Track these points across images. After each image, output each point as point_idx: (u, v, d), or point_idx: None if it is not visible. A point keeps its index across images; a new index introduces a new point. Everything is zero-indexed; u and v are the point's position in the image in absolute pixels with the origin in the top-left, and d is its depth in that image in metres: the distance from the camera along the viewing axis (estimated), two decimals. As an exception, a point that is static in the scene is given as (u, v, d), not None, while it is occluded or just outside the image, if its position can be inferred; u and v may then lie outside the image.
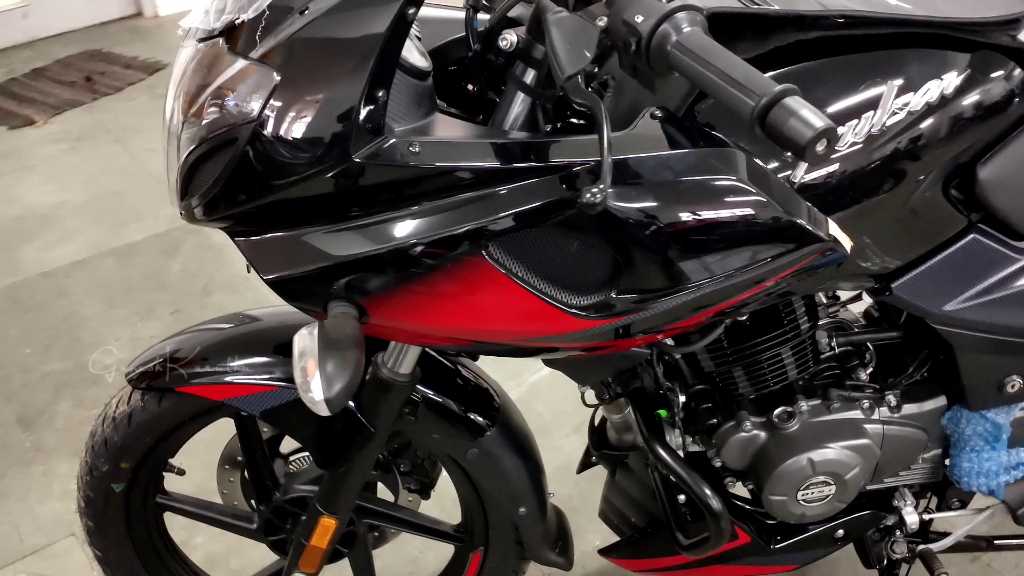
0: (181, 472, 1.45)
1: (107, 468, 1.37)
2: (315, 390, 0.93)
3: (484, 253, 0.96)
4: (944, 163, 1.12)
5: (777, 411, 1.32)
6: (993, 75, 1.11)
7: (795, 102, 0.76)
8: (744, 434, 1.34)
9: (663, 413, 1.33)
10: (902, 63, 1.07)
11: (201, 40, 1.00)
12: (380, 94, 0.88)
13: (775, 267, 1.03)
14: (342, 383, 0.93)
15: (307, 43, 0.90)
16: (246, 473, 1.44)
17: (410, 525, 1.50)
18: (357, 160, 0.90)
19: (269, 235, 0.99)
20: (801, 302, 1.27)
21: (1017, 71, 1.12)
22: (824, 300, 1.36)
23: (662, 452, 1.28)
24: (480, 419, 1.33)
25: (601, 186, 0.82)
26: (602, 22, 0.88)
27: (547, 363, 1.19)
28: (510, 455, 1.37)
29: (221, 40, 0.96)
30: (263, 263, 1.00)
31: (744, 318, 1.26)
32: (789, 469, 1.32)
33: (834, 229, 1.05)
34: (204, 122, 0.95)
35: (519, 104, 1.01)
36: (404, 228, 0.96)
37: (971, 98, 1.09)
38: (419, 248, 0.95)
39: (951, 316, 1.22)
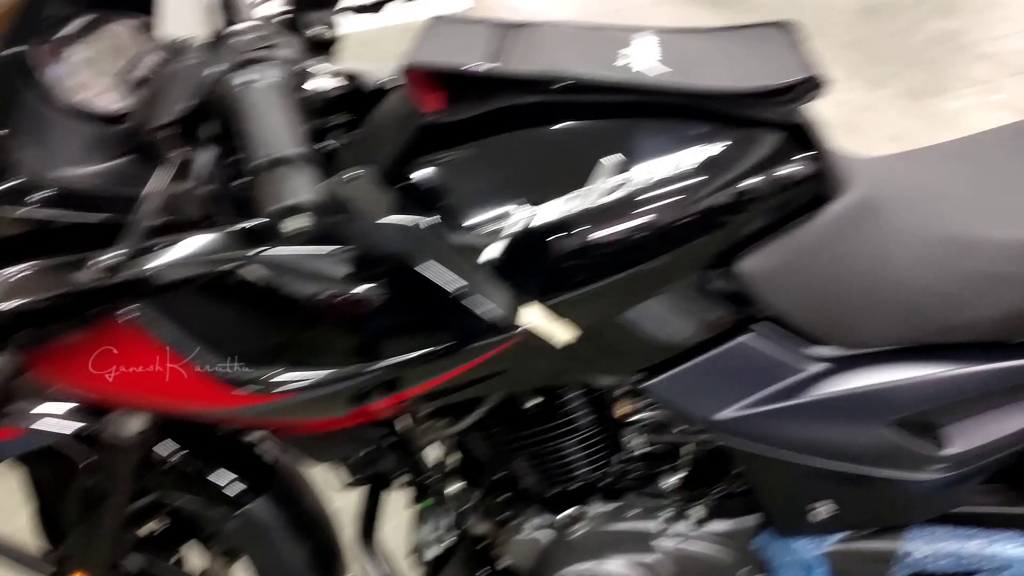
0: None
1: None
2: None
3: (132, 314, 0.91)
4: (691, 251, 0.99)
5: (562, 514, 1.20)
6: (752, 156, 0.97)
7: (292, 172, 0.68)
8: (525, 535, 1.22)
9: (430, 503, 1.22)
10: (629, 136, 0.95)
11: None
12: None
13: (456, 358, 0.94)
14: None
15: None
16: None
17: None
18: None
19: None
20: (579, 392, 1.15)
21: (789, 153, 0.99)
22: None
23: (364, 550, 1.17)
24: (243, 490, 1.26)
25: (120, 249, 0.75)
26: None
27: (277, 436, 1.12)
28: (283, 533, 1.29)
29: None
30: None
31: (530, 404, 1.16)
32: (562, 580, 1.19)
33: (536, 319, 0.95)
34: None
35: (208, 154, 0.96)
36: (49, 280, 0.92)
37: (720, 179, 0.96)
38: (60, 303, 0.91)
39: (726, 425, 1.07)
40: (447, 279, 0.92)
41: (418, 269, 0.92)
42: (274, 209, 0.67)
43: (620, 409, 1.18)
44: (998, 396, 1.09)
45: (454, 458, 1.23)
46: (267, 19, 1.01)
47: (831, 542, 1.18)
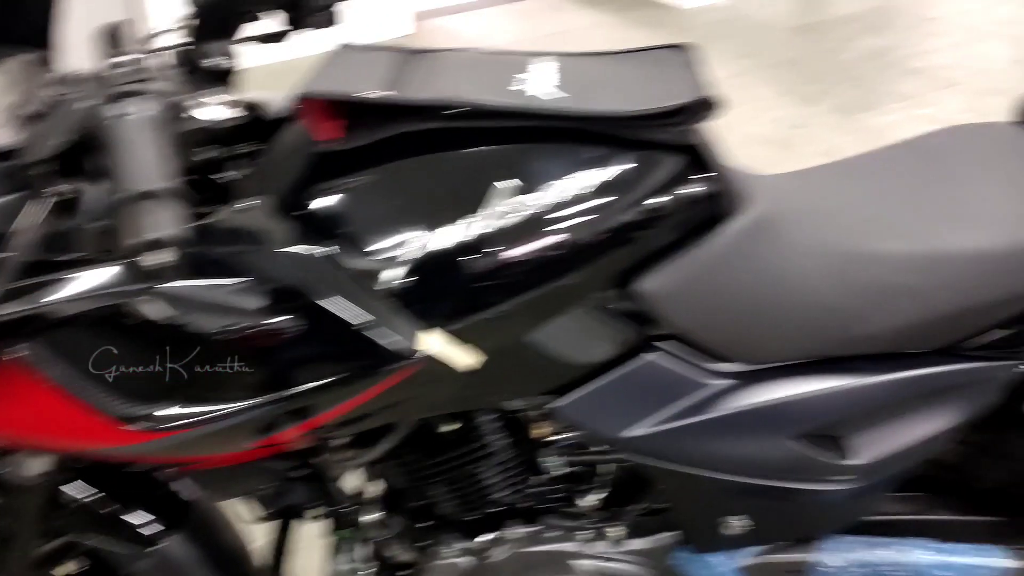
0: None
1: None
2: None
3: (21, 353, 0.89)
4: (590, 272, 0.99)
5: (479, 538, 1.20)
6: (648, 177, 0.98)
7: (156, 206, 0.68)
8: (444, 562, 1.21)
9: (347, 534, 1.21)
10: (524, 160, 0.95)
11: None
12: None
13: (354, 387, 0.94)
14: None
15: None
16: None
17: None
18: None
19: None
20: (493, 416, 1.15)
21: (685, 173, 1.00)
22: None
23: None
24: (158, 530, 1.23)
25: None
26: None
27: (181, 471, 1.10)
28: (199, 570, 1.26)
29: None
30: None
31: (445, 430, 1.15)
32: (483, 604, 1.18)
33: (437, 345, 0.95)
34: None
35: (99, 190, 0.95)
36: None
37: (617, 201, 0.97)
38: None
39: (635, 443, 1.08)
40: (344, 308, 0.92)
41: (315, 299, 0.91)
42: (132, 243, 0.67)
43: (535, 431, 1.18)
44: (900, 406, 1.10)
45: (371, 487, 1.22)
46: (160, 50, 1.01)
47: (746, 556, 1.19)
